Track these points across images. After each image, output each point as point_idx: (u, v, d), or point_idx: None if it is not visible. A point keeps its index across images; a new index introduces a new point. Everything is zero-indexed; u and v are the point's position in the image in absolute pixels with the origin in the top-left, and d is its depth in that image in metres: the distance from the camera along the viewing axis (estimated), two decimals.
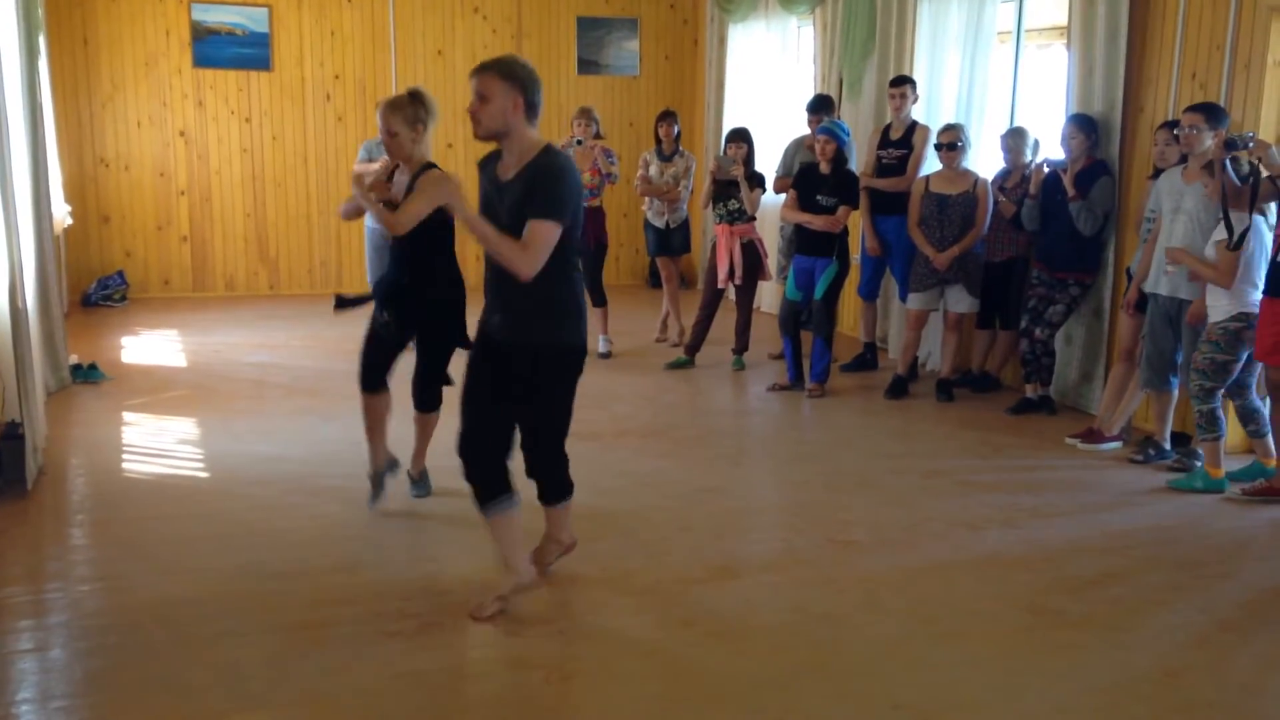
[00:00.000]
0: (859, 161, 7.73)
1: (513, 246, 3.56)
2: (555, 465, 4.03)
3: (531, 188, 3.56)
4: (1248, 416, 5.49)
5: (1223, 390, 5.36)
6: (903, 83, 7.54)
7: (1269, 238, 5.24)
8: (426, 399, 4.96)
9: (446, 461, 4.23)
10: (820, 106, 7.85)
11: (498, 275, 3.71)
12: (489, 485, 3.81)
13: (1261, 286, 5.18)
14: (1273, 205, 5.29)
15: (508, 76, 3.57)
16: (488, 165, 3.81)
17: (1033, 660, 3.69)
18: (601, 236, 8.02)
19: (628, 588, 4.17)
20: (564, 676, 3.54)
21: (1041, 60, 8.12)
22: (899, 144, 7.54)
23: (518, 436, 3.92)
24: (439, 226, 4.62)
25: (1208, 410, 5.34)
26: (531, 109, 3.61)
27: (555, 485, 4.07)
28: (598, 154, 7.93)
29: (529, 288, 3.62)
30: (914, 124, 7.54)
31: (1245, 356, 5.28)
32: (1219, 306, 5.29)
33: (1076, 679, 3.56)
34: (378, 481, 4.98)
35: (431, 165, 4.64)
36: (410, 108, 4.58)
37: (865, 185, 7.50)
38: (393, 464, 5.04)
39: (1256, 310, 5.19)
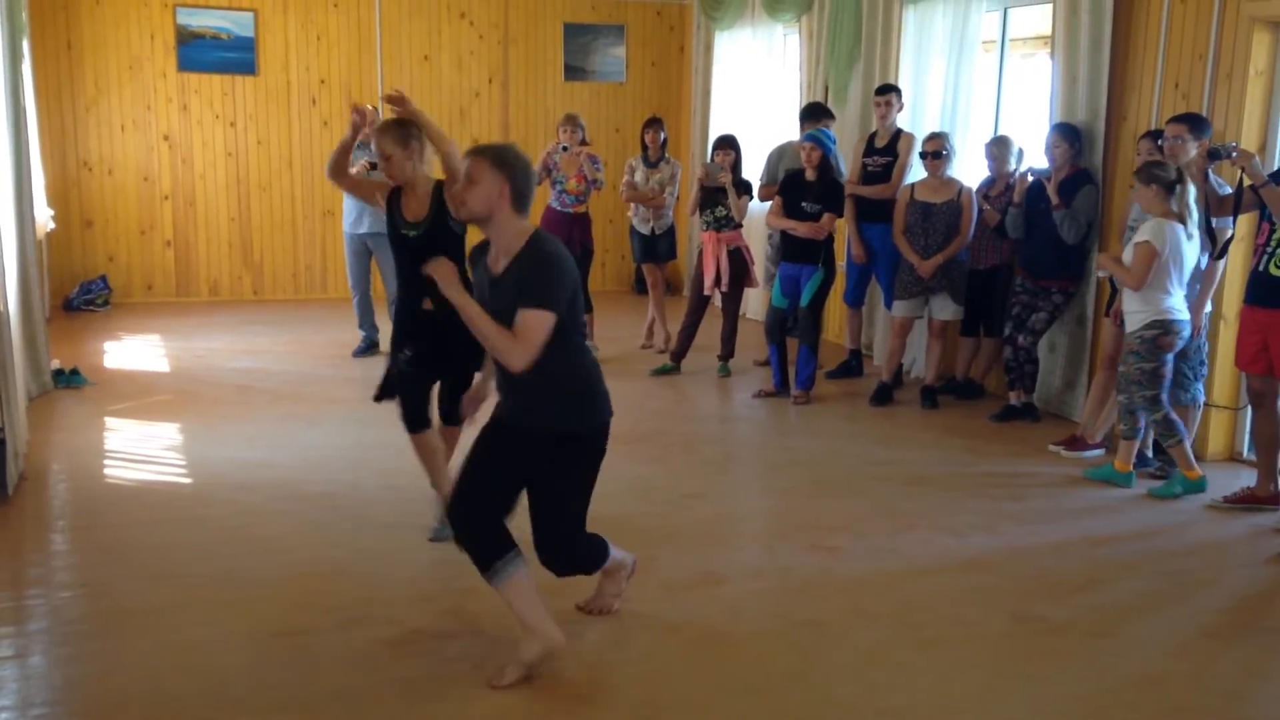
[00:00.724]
0: (846, 169, 7.76)
1: (504, 337, 3.39)
2: (574, 552, 3.73)
3: (524, 278, 3.43)
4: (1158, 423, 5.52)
5: (1165, 394, 5.42)
6: (888, 91, 7.57)
7: (1188, 249, 5.29)
8: (456, 414, 4.67)
9: None
10: (814, 114, 7.83)
11: (502, 372, 3.56)
12: (486, 548, 3.54)
13: (1183, 294, 5.35)
14: (1231, 217, 5.34)
15: (498, 163, 3.46)
16: (480, 256, 3.66)
17: (1016, 666, 3.71)
18: (587, 243, 8.02)
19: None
20: (548, 684, 3.53)
21: (1025, 69, 8.18)
22: (884, 151, 7.57)
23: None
24: (451, 246, 4.46)
25: (1161, 417, 5.42)
26: (519, 198, 3.49)
27: (579, 567, 3.79)
28: (583, 160, 7.94)
29: (536, 370, 3.44)
30: (899, 131, 7.57)
31: (1169, 359, 5.38)
32: (1134, 315, 5.40)
33: (1060, 685, 3.58)
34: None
35: (440, 182, 4.56)
36: (398, 129, 4.54)
37: (850, 193, 7.52)
38: None
39: (1172, 317, 5.31)
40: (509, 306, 3.41)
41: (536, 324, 3.37)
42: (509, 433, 3.61)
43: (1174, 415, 5.43)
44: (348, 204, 8.05)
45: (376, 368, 5.68)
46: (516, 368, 3.39)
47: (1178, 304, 5.34)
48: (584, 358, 3.64)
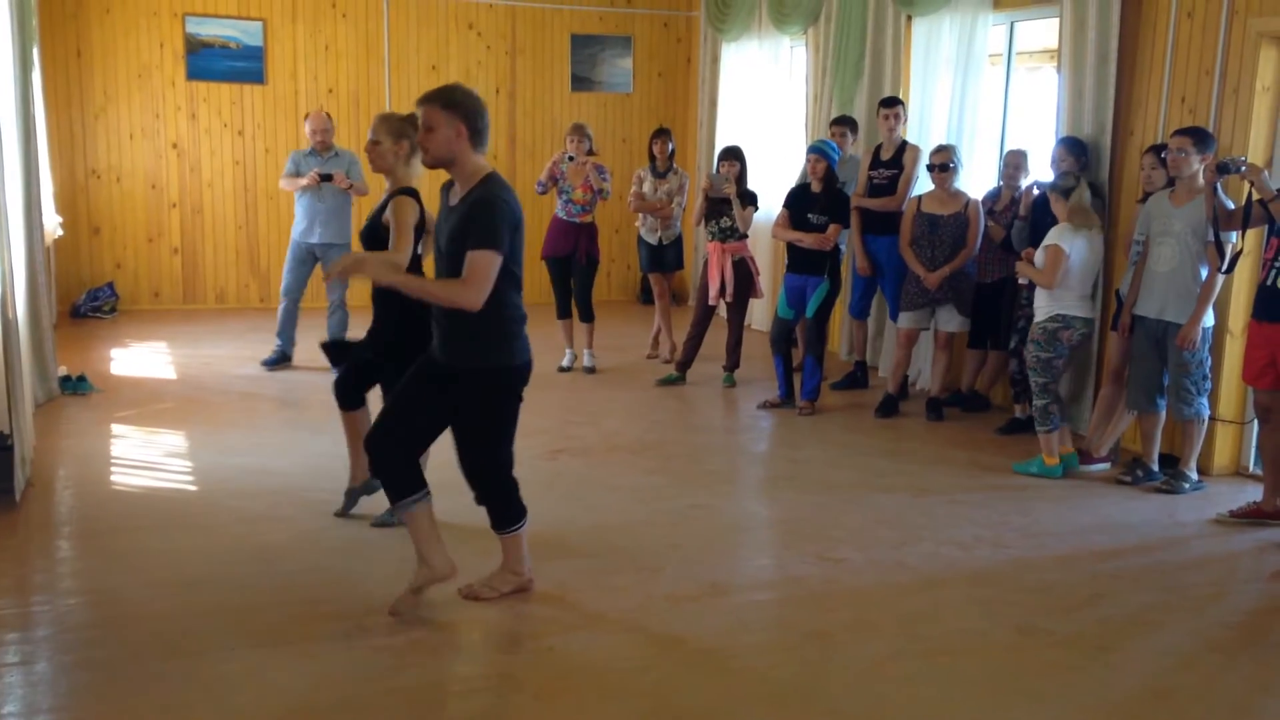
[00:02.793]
0: (858, 182, 7.78)
1: (451, 287, 3.67)
2: (494, 490, 4.03)
3: (468, 217, 3.66)
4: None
5: (1057, 385, 5.97)
6: (893, 103, 7.58)
7: (1091, 255, 5.86)
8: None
9: (442, 475, 4.23)
10: (843, 121, 7.97)
11: (440, 306, 3.82)
12: (400, 483, 3.85)
13: (1087, 294, 5.92)
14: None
15: (449, 106, 3.68)
16: (446, 190, 3.91)
17: (1022, 680, 3.70)
18: (593, 252, 8.03)
19: (618, 604, 4.16)
20: (554, 692, 3.53)
21: (1032, 83, 8.19)
22: (889, 164, 7.58)
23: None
24: (379, 245, 4.68)
25: (1042, 405, 5.89)
26: (476, 135, 3.70)
27: (496, 511, 4.08)
28: (590, 170, 7.96)
29: (463, 315, 3.70)
30: (904, 144, 7.58)
31: (1066, 353, 5.93)
32: (1040, 307, 5.95)
33: (1065, 699, 3.57)
34: (353, 496, 5.00)
35: (407, 191, 4.67)
36: (399, 122, 4.71)
37: (856, 205, 7.54)
38: (369, 485, 4.96)
39: (1074, 313, 5.86)
40: (451, 234, 3.70)
41: (483, 262, 3.61)
42: (439, 375, 3.85)
43: (1054, 409, 5.90)
44: (299, 211, 7.94)
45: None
46: (472, 306, 3.64)
47: (1079, 302, 5.90)
48: (512, 307, 3.83)
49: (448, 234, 3.75)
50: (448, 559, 3.99)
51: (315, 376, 7.72)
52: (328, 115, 8.05)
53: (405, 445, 3.90)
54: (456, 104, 3.68)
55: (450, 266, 3.77)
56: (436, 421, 3.94)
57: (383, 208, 4.72)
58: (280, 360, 7.99)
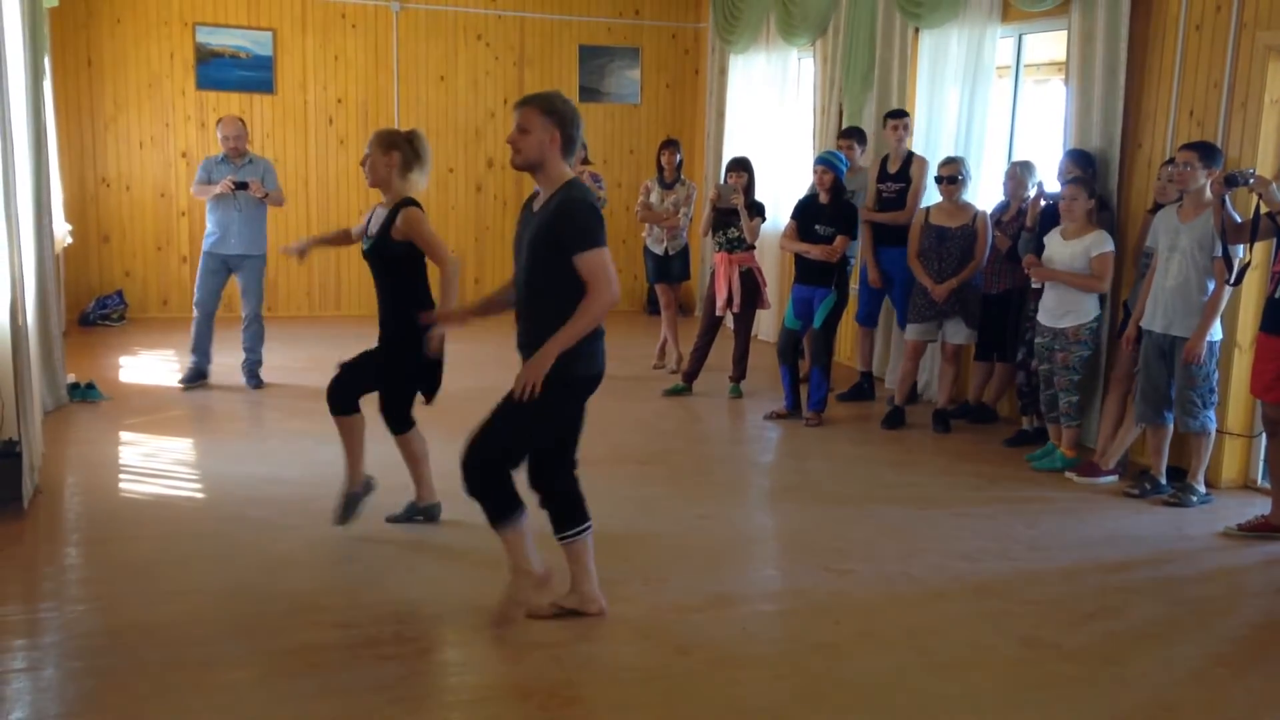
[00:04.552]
0: (867, 195, 7.80)
1: (585, 307, 3.67)
2: (479, 468, 3.77)
3: (556, 223, 3.66)
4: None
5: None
6: (899, 115, 7.59)
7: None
8: (394, 423, 4.98)
9: (447, 484, 4.24)
10: (851, 133, 7.98)
11: (521, 303, 3.85)
12: (501, 502, 3.83)
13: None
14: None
15: (548, 111, 3.70)
16: (528, 204, 3.92)
17: (1029, 693, 3.69)
18: None
19: (625, 614, 4.16)
20: (561, 704, 3.52)
21: (1040, 95, 8.19)
22: (896, 177, 7.59)
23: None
24: (391, 261, 4.76)
25: (1078, 401, 6.18)
26: (569, 143, 3.73)
27: (478, 488, 3.80)
28: (585, 179, 7.98)
29: (555, 310, 3.71)
30: (910, 156, 7.59)
31: (1094, 348, 6.26)
32: (1070, 312, 6.14)
33: (1072, 712, 3.56)
34: (353, 502, 4.97)
35: (410, 202, 4.76)
36: (391, 136, 4.78)
37: (866, 219, 7.57)
38: (368, 486, 5.01)
39: (1098, 310, 6.12)
40: (534, 237, 3.69)
41: (596, 261, 3.64)
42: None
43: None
44: (210, 223, 7.54)
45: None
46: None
47: (1098, 300, 6.21)
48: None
49: (529, 238, 3.74)
50: (543, 562, 3.98)
51: (324, 386, 7.73)
52: (241, 120, 7.66)
53: (505, 465, 3.83)
54: (555, 111, 3.71)
55: (530, 269, 3.75)
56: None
57: (388, 223, 4.73)
58: (196, 378, 7.60)
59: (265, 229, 7.70)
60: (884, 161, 7.73)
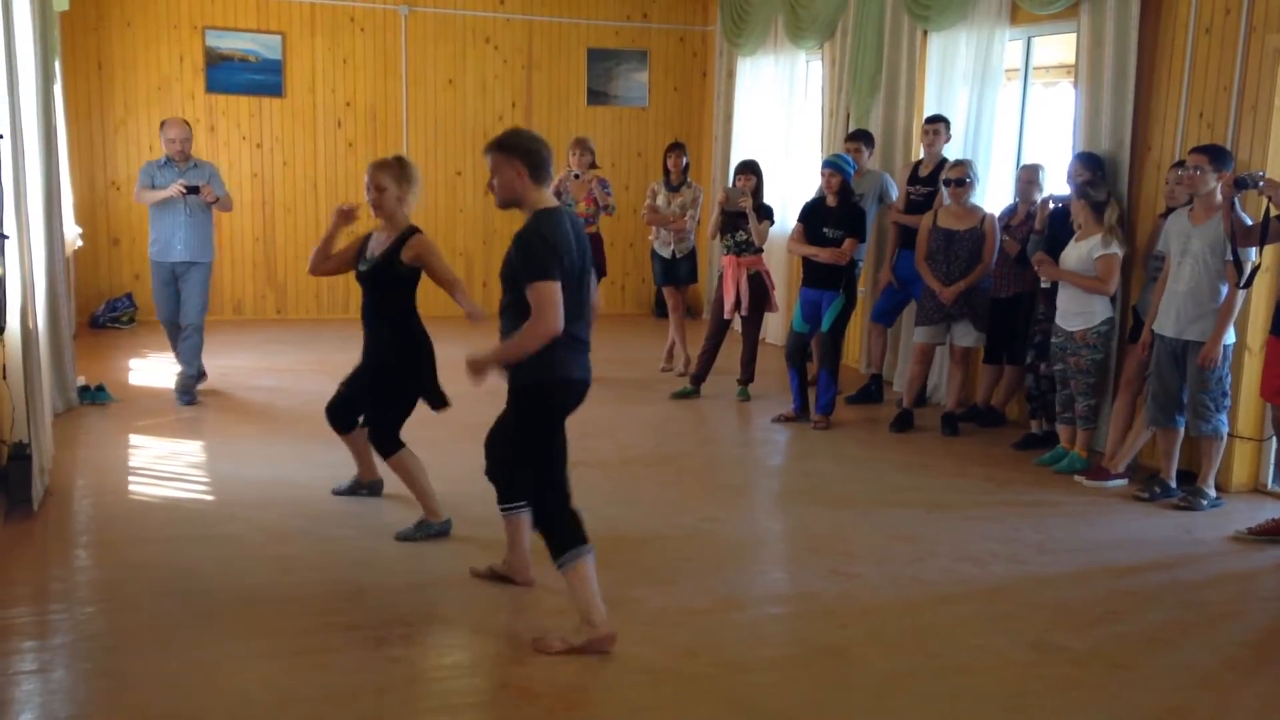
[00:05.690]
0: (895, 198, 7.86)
1: (526, 329, 3.73)
2: (511, 476, 4.17)
3: (515, 252, 3.78)
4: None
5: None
6: (936, 120, 7.58)
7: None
8: (379, 444, 4.99)
9: (455, 487, 4.25)
10: (858, 136, 8.00)
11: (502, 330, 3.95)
12: (565, 534, 3.86)
13: None
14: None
15: (505, 149, 3.83)
16: None
17: (1037, 696, 3.68)
18: (599, 262, 8.05)
19: (632, 617, 4.16)
20: (568, 705, 3.53)
21: (1048, 98, 8.18)
22: (927, 181, 7.58)
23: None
24: (391, 284, 4.88)
25: (1095, 404, 6.20)
26: (536, 169, 3.82)
27: (519, 494, 4.22)
28: (593, 185, 8.04)
29: (515, 329, 3.82)
30: (943, 161, 7.52)
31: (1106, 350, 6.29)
32: (1079, 314, 6.15)
33: (1080, 716, 3.55)
34: (356, 487, 5.37)
35: (415, 230, 4.92)
36: (397, 167, 4.91)
37: (894, 220, 7.63)
38: (375, 486, 5.38)
39: (1109, 314, 6.13)
40: (506, 268, 3.82)
41: (542, 293, 3.69)
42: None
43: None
44: (154, 230, 7.21)
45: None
46: (554, 331, 3.70)
47: (1110, 303, 6.22)
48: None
49: (503, 263, 3.89)
50: (605, 619, 3.85)
51: (334, 388, 7.74)
52: (186, 123, 7.37)
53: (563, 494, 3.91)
54: (509, 146, 3.82)
55: (503, 291, 3.92)
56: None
57: (394, 250, 4.85)
58: (198, 379, 7.43)
59: (212, 235, 7.39)
60: (915, 166, 7.73)
